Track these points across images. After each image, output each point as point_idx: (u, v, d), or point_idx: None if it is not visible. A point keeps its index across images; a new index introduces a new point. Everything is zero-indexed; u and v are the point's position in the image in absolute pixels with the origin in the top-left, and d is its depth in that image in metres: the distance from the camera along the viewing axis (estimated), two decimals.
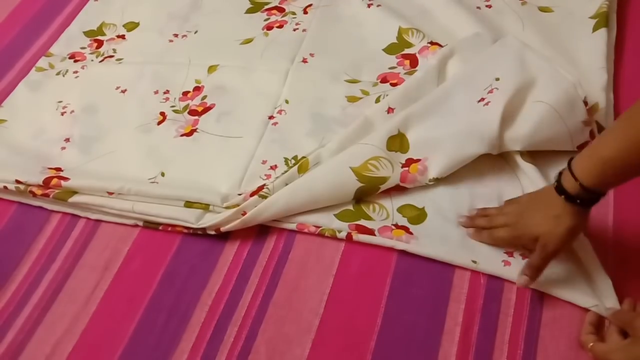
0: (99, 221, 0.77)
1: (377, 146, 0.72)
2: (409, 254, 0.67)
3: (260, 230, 0.72)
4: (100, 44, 1.00)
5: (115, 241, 0.74)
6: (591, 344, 0.58)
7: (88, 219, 0.77)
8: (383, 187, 0.72)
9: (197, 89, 0.89)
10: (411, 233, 0.68)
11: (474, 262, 0.65)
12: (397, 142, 0.73)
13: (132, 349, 0.65)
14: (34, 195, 0.78)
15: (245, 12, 1.00)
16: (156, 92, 0.89)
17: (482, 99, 0.72)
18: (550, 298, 0.62)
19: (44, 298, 0.71)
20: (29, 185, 0.78)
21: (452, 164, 0.71)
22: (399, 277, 0.66)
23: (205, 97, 0.87)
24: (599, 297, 0.61)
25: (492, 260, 0.65)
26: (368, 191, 0.72)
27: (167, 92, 0.89)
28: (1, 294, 0.71)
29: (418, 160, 0.73)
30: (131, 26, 1.02)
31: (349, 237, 0.69)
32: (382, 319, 0.64)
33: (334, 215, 0.71)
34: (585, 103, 0.69)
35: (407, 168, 0.72)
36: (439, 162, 0.72)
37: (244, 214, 0.71)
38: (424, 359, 0.61)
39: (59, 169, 0.80)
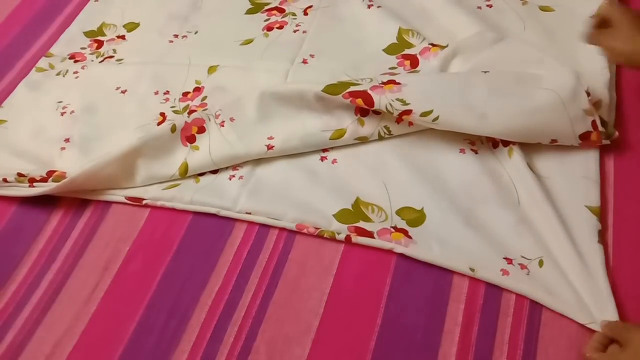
0: (99, 221, 0.77)
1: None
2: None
3: (261, 231, 0.73)
4: (100, 44, 1.00)
5: (115, 241, 0.74)
6: (588, 354, 0.58)
7: (88, 219, 0.77)
8: (352, 88, 0.74)
9: (197, 89, 0.89)
10: (410, 237, 0.68)
11: (472, 269, 0.65)
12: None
13: (132, 349, 0.65)
14: (34, 181, 0.78)
15: (246, 13, 1.00)
16: (156, 93, 0.90)
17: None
18: None
19: (44, 298, 0.71)
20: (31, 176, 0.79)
21: (430, 105, 0.71)
22: (399, 277, 0.66)
23: (205, 97, 0.87)
24: (598, 312, 0.60)
25: (490, 269, 0.65)
26: (334, 89, 0.75)
27: (167, 92, 0.89)
28: (1, 294, 0.71)
29: (398, 83, 0.73)
30: (131, 26, 1.02)
31: (347, 239, 0.69)
32: (382, 319, 0.64)
33: (333, 215, 0.71)
34: (588, 93, 0.69)
35: (382, 86, 0.74)
36: (418, 98, 0.72)
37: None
38: (423, 359, 0.61)
39: (62, 173, 0.80)
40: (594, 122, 0.70)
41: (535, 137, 0.72)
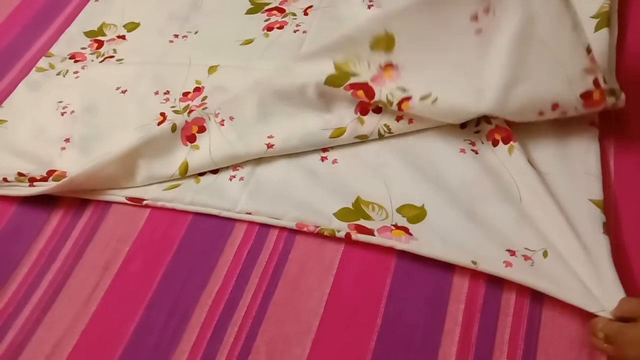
0: (99, 221, 0.77)
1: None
2: (409, 254, 0.67)
3: (261, 231, 0.73)
4: (100, 44, 1.00)
5: (115, 241, 0.74)
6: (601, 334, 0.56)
7: (88, 219, 0.77)
8: (353, 80, 0.74)
9: (198, 89, 0.89)
10: (410, 234, 0.68)
11: (474, 262, 0.64)
12: (382, 42, 0.74)
13: (132, 349, 0.65)
14: (34, 181, 0.78)
15: (246, 13, 1.00)
16: (156, 93, 0.90)
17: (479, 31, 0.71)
18: (550, 298, 0.62)
19: (44, 298, 0.71)
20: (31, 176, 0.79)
21: (428, 88, 0.70)
22: (399, 277, 0.66)
23: (205, 97, 0.87)
24: (606, 300, 0.59)
25: (492, 261, 0.64)
26: (336, 80, 0.75)
27: (167, 92, 0.89)
28: (1, 294, 0.71)
29: (395, 66, 0.74)
30: (131, 26, 1.02)
31: (347, 237, 0.69)
32: (382, 319, 0.64)
33: (333, 214, 0.71)
34: (589, 50, 0.65)
35: (382, 74, 0.74)
36: (416, 81, 0.72)
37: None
38: (423, 359, 0.61)
39: (63, 172, 0.80)
40: (596, 80, 0.66)
41: (536, 106, 0.68)
